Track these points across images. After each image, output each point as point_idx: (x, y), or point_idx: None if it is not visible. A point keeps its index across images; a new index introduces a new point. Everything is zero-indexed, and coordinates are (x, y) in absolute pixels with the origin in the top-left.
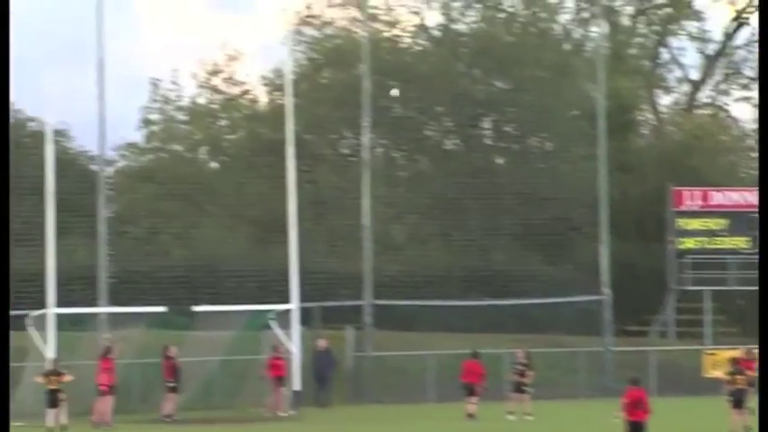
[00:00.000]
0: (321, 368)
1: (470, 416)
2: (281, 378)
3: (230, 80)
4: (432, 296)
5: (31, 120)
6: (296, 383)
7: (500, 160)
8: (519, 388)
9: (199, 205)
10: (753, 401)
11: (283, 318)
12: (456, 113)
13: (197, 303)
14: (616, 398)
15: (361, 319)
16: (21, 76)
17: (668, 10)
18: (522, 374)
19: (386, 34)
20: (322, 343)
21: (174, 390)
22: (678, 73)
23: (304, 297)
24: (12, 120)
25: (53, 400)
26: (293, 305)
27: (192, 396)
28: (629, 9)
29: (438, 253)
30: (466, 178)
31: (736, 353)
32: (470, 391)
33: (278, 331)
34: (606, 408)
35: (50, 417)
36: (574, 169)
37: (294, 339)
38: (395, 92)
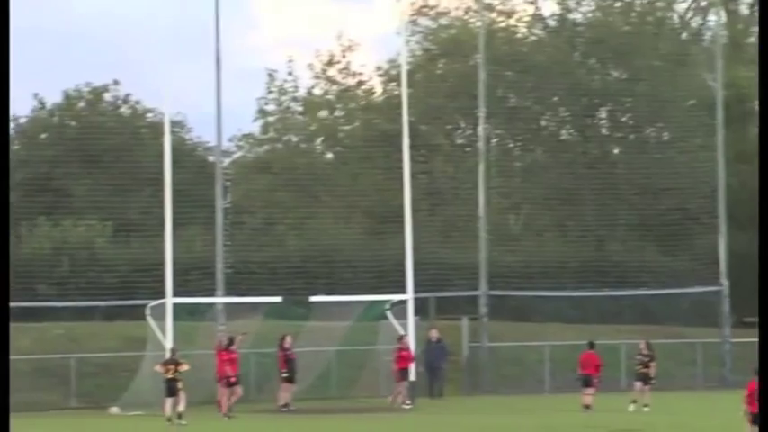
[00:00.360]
0: (434, 359)
1: (587, 407)
2: (405, 370)
3: (346, 71)
4: (547, 287)
5: (150, 111)
6: (411, 374)
7: (616, 150)
8: (642, 379)
9: (314, 196)
10: None
11: (398, 308)
12: (572, 103)
13: (313, 294)
14: (735, 390)
15: (476, 310)
16: (139, 68)
17: None
18: (646, 366)
19: (501, 24)
20: (434, 333)
21: (288, 380)
22: None
23: (419, 287)
24: (129, 111)
25: (171, 389)
26: (408, 296)
27: (308, 386)
28: None
29: (553, 243)
30: (582, 169)
31: None
32: (587, 383)
33: (393, 322)
34: (725, 399)
35: (168, 406)
36: (691, 159)
37: (409, 330)
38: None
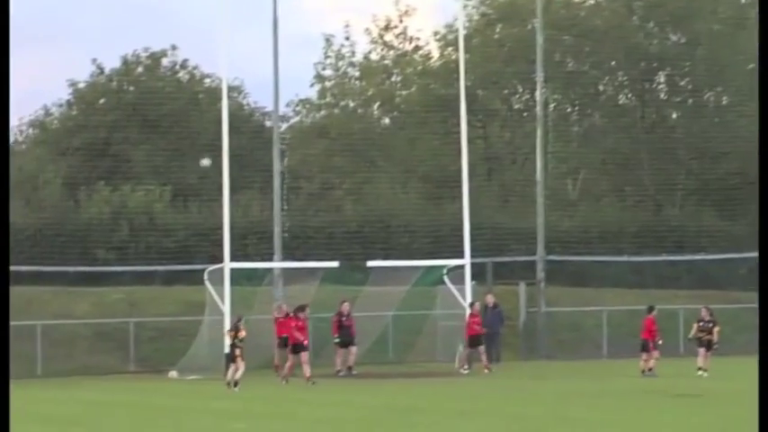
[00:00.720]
0: (490, 324)
1: (645, 371)
2: (477, 337)
3: (403, 36)
4: (605, 251)
5: (207, 76)
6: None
7: (674, 115)
8: (706, 345)
9: (371, 161)
10: None
11: (456, 273)
12: (630, 68)
13: (370, 259)
14: None
15: (533, 275)
16: (197, 34)
17: None
18: (709, 332)
19: None
20: (490, 299)
21: (341, 345)
22: None
23: (476, 253)
24: (187, 76)
25: (231, 355)
26: (465, 261)
27: (365, 351)
28: None
29: (611, 208)
30: (640, 133)
31: None
32: (644, 347)
33: (450, 287)
34: None
35: (229, 372)
36: (750, 123)
37: (466, 295)
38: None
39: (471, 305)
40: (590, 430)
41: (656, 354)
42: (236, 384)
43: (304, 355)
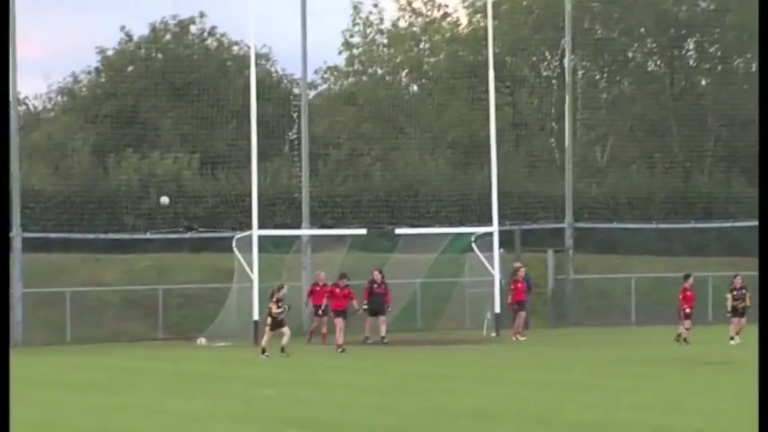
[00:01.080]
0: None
1: (683, 339)
2: (521, 303)
3: (431, 3)
4: (633, 219)
5: (235, 44)
6: (496, 306)
7: (704, 82)
8: (741, 313)
9: (399, 128)
10: None
11: (484, 241)
12: (659, 34)
13: (398, 226)
14: None
15: (561, 242)
16: (225, 2)
17: None
18: (744, 300)
19: None
20: (517, 266)
21: (373, 313)
22: None
23: (504, 220)
24: (215, 43)
25: (275, 322)
26: (494, 228)
27: (393, 319)
28: None
29: (640, 175)
30: (668, 100)
31: None
32: (683, 315)
33: (479, 254)
34: None
35: (265, 338)
36: None
37: (495, 262)
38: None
39: (515, 271)
40: (618, 397)
41: (687, 323)
42: (263, 352)
43: (339, 321)
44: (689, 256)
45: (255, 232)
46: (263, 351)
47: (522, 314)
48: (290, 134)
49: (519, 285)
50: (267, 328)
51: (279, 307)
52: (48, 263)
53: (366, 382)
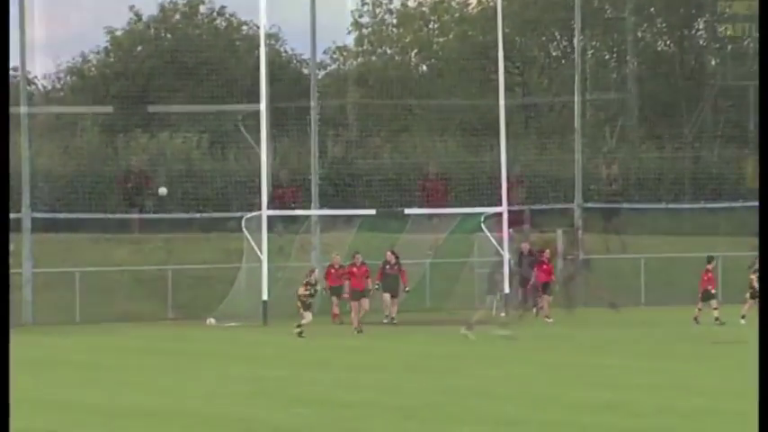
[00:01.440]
0: (525, 271)
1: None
2: (547, 284)
3: None
4: (643, 199)
5: (245, 24)
6: (505, 287)
7: (714, 62)
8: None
9: (409, 108)
10: None
11: (493, 221)
12: (669, 14)
13: (407, 206)
14: None
15: (571, 223)
16: None
17: None
18: None
19: None
20: (525, 246)
21: (384, 293)
22: None
23: (513, 200)
24: (224, 23)
25: (306, 304)
26: (503, 208)
27: (403, 298)
28: None
29: (649, 155)
30: (678, 80)
31: None
32: (707, 297)
33: (488, 234)
34: None
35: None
36: None
37: (504, 242)
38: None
39: (541, 252)
40: (626, 378)
41: (701, 304)
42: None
43: (365, 302)
44: (698, 236)
45: (265, 212)
46: (300, 333)
47: (547, 297)
48: (300, 114)
49: (545, 267)
50: (300, 311)
51: (307, 290)
52: (57, 243)
53: (374, 362)
